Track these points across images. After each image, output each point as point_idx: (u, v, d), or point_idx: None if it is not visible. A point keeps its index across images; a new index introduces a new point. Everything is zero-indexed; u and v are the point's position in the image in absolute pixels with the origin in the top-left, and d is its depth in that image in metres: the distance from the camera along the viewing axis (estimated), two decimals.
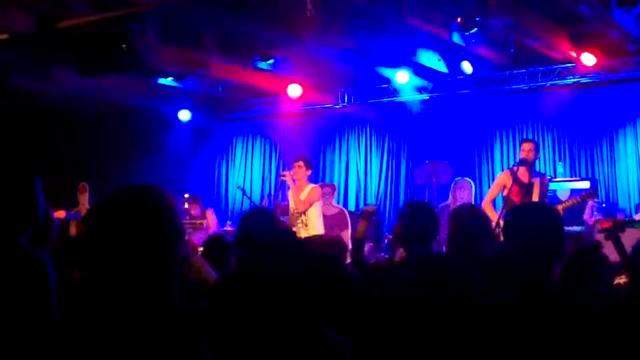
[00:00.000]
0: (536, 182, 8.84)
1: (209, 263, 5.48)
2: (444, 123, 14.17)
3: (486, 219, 5.24)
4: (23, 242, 2.81)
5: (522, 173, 8.86)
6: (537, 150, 9.08)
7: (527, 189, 8.83)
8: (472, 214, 4.93)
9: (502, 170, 13.24)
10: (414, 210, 4.72)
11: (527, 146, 9.00)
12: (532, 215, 3.13)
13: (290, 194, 9.39)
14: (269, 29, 7.94)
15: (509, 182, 8.84)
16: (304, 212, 9.11)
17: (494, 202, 9.05)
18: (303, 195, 9.17)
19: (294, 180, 9.25)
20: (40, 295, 2.50)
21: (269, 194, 15.33)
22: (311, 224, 9.09)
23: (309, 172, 9.50)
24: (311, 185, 9.43)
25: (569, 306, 2.88)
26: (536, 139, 13.09)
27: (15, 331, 2.42)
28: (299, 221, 9.10)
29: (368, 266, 5.29)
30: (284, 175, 9.40)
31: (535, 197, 8.71)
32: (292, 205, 9.30)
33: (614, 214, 11.55)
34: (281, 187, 10.43)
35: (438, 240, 5.57)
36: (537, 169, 9.24)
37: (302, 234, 8.80)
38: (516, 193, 8.85)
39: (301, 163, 9.38)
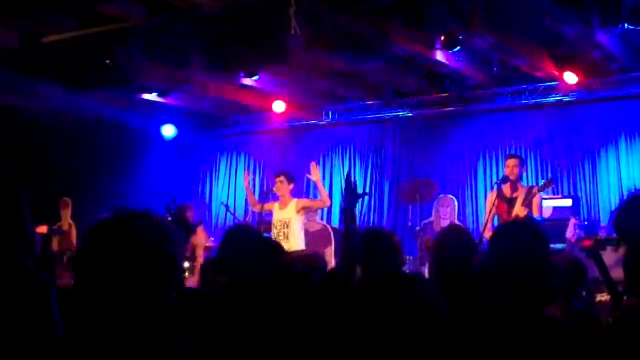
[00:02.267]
0: (518, 194, 8.91)
1: None
2: (427, 141, 14.22)
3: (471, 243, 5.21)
4: (18, 261, 2.82)
5: (506, 188, 8.93)
6: (521, 165, 9.16)
7: (510, 203, 8.89)
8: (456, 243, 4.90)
9: (485, 187, 13.35)
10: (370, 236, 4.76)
11: (511, 162, 9.10)
12: (510, 234, 3.13)
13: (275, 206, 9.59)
14: (254, 46, 7.97)
15: (495, 199, 8.92)
16: (287, 224, 9.20)
17: (494, 224, 9.01)
18: (288, 211, 9.27)
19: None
20: (40, 312, 2.50)
21: (252, 211, 15.31)
22: (292, 237, 9.17)
23: (292, 186, 9.61)
24: (295, 200, 9.50)
25: (547, 324, 2.90)
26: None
27: (16, 347, 2.41)
28: (280, 233, 9.20)
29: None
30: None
31: (516, 209, 8.75)
32: (276, 217, 9.42)
33: (595, 231, 11.62)
34: (265, 203, 10.42)
35: (417, 259, 5.59)
36: (526, 184, 9.35)
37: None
38: (501, 209, 8.92)
39: (282, 178, 9.48)
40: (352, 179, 4.66)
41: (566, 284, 4.52)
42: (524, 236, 3.06)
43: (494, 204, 8.91)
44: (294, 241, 9.17)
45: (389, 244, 4.66)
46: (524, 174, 9.40)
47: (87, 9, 8.72)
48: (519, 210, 8.70)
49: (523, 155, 13.06)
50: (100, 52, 8.87)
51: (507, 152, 13.22)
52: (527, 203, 8.80)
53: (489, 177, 13.43)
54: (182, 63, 10.59)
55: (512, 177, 8.97)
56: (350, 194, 4.54)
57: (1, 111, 13.06)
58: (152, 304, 2.09)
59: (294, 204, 9.44)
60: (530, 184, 12.83)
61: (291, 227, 9.26)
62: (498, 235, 3.21)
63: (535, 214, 8.88)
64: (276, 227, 9.41)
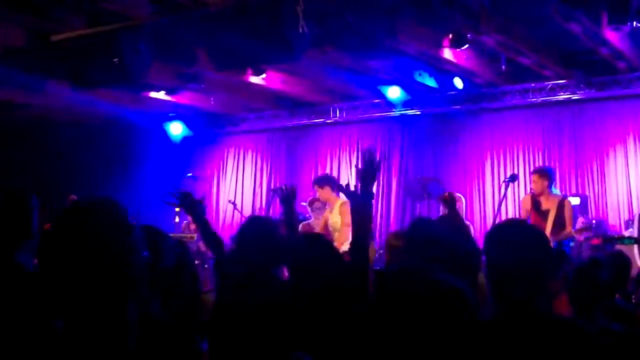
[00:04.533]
0: (551, 206, 9.01)
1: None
2: (435, 138, 14.22)
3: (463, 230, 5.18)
4: (18, 258, 2.83)
5: (543, 199, 9.09)
6: (544, 178, 9.20)
7: (544, 215, 8.99)
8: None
9: (492, 185, 13.34)
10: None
11: (533, 177, 9.25)
12: (510, 234, 3.10)
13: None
14: (261, 44, 7.96)
15: (529, 206, 9.24)
16: (335, 228, 8.92)
17: None
18: (335, 214, 9.01)
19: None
20: (37, 310, 2.51)
21: (260, 208, 15.33)
22: (336, 241, 8.75)
23: (329, 189, 9.26)
24: (340, 201, 9.08)
25: (560, 327, 2.88)
26: (526, 155, 13.18)
27: (14, 347, 2.42)
28: (333, 235, 8.79)
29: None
30: None
31: (549, 225, 8.85)
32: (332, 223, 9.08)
33: (603, 230, 11.60)
34: (272, 200, 10.40)
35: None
36: (556, 192, 9.45)
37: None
38: (534, 219, 9.06)
39: (316, 187, 9.22)
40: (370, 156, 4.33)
41: (612, 279, 4.49)
42: (520, 238, 3.04)
43: (527, 210, 9.17)
44: (339, 244, 8.63)
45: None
46: (552, 183, 9.45)
47: (95, 7, 8.73)
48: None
49: (530, 154, 13.08)
50: (108, 51, 8.87)
51: (515, 151, 13.26)
52: (562, 217, 8.98)
53: (497, 175, 13.41)
54: (189, 61, 10.60)
55: (537, 192, 9.15)
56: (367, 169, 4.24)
57: (9, 108, 13.10)
58: (112, 279, 2.14)
59: (337, 207, 9.01)
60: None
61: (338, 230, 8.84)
62: (493, 237, 3.17)
63: (567, 229, 9.06)
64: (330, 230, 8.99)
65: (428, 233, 4.25)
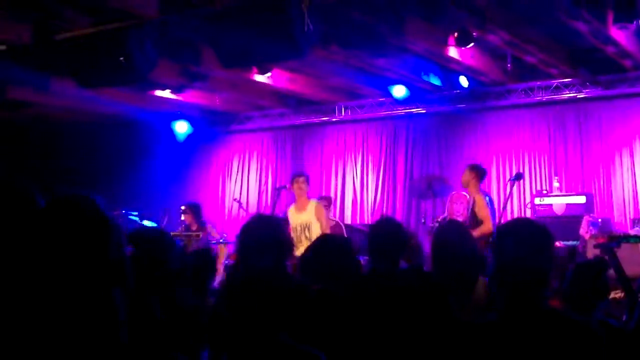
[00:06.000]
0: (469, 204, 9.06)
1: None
2: (440, 137, 14.22)
3: (469, 236, 5.21)
4: None
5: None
6: (471, 173, 9.36)
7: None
8: (456, 231, 4.91)
9: (498, 184, 13.31)
10: (381, 225, 4.73)
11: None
12: (516, 231, 3.13)
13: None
14: (267, 42, 7.95)
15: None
16: (309, 227, 8.96)
17: None
18: (307, 214, 9.09)
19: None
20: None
21: (266, 206, 15.34)
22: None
23: (308, 188, 9.42)
24: (314, 202, 9.30)
25: (564, 323, 2.89)
26: (532, 153, 13.17)
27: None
28: (301, 237, 8.91)
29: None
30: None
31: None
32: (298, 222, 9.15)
33: (609, 229, 11.58)
34: (278, 199, 10.39)
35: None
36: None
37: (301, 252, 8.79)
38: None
39: (304, 179, 9.22)
40: None
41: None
42: (527, 235, 3.05)
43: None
44: None
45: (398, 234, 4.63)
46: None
47: (101, 5, 8.73)
48: None
49: (536, 152, 13.06)
50: (114, 49, 8.87)
51: (520, 150, 13.24)
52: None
53: (502, 174, 13.40)
54: (195, 59, 10.61)
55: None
56: None
57: (14, 107, 13.13)
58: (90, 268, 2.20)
59: (312, 207, 9.12)
60: (543, 181, 12.90)
61: (312, 230, 8.89)
62: (501, 234, 3.19)
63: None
64: (296, 231, 8.98)
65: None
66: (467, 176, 9.31)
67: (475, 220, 8.91)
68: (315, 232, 8.82)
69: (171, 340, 3.44)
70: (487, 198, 9.28)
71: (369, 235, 4.58)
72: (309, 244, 8.68)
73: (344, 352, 3.71)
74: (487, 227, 8.78)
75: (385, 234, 4.54)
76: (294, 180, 9.29)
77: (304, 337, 3.08)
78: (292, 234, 8.98)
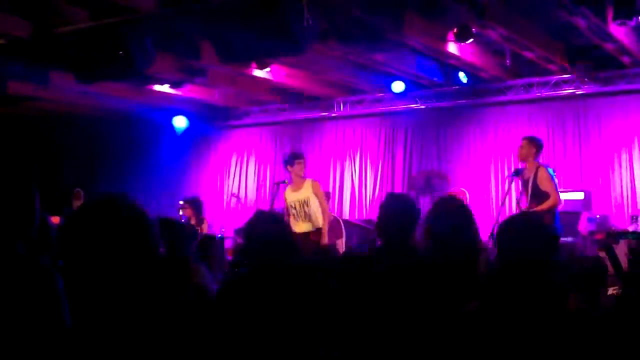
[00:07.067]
0: (528, 177, 8.86)
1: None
2: (439, 133, 14.22)
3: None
4: (19, 249, 2.78)
5: (525, 170, 8.97)
6: (530, 146, 9.04)
7: (524, 186, 8.87)
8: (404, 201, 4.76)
9: (497, 180, 13.33)
10: (391, 201, 4.64)
11: (521, 143, 9.12)
12: (513, 227, 3.15)
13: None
14: (266, 37, 7.94)
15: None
16: (307, 203, 9.18)
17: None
18: (305, 191, 9.24)
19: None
20: (44, 302, 2.49)
21: (265, 201, 15.33)
22: (314, 215, 9.14)
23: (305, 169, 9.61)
24: (310, 180, 9.49)
25: (568, 314, 2.91)
26: None
27: (22, 341, 2.40)
28: (301, 213, 9.18)
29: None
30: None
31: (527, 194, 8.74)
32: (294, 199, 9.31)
33: (607, 225, 11.58)
34: (276, 193, 10.40)
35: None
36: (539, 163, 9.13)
37: (304, 227, 9.10)
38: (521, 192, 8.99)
39: (303, 160, 9.43)
40: None
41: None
42: (529, 232, 3.06)
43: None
44: (317, 219, 9.14)
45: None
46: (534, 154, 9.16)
47: (99, 0, 8.73)
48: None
49: None
50: (113, 43, 8.86)
51: (519, 145, 13.22)
52: (538, 187, 8.71)
53: (500, 169, 13.40)
54: (194, 54, 10.60)
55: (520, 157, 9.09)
56: None
57: (14, 101, 13.12)
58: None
59: (309, 184, 9.32)
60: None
61: (311, 205, 9.15)
62: (503, 231, 3.20)
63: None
64: (295, 208, 9.21)
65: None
66: (525, 149, 8.97)
67: (538, 193, 8.67)
68: (314, 205, 9.19)
69: None
70: (551, 170, 9.03)
71: (380, 213, 4.50)
72: (308, 221, 8.95)
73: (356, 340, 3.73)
74: (554, 200, 8.61)
75: (397, 209, 4.46)
76: (295, 160, 9.43)
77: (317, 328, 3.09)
78: (291, 211, 9.27)
